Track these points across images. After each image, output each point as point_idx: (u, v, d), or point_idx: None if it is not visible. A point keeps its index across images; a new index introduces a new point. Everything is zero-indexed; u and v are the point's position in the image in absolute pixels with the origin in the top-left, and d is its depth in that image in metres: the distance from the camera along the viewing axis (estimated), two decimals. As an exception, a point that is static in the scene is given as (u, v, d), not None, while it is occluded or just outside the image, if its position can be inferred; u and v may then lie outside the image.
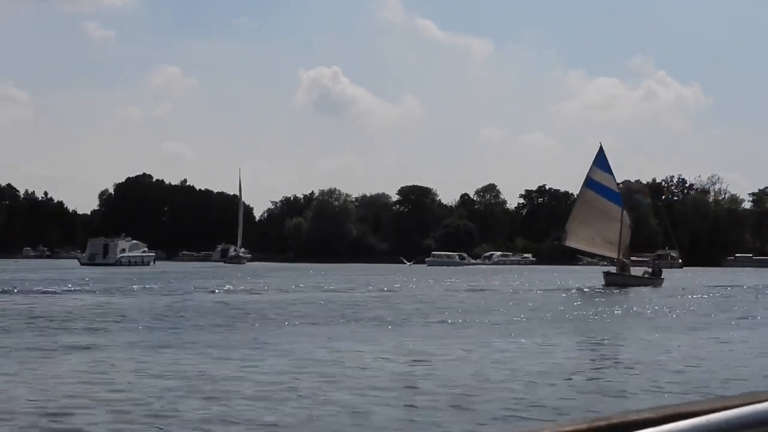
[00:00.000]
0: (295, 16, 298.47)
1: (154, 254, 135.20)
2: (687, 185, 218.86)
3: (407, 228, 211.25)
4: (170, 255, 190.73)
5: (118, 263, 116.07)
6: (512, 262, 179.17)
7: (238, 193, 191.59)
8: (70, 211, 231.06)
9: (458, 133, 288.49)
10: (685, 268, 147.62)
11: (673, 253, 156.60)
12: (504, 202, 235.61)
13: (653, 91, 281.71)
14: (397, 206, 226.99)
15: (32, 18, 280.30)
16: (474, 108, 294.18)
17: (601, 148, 71.54)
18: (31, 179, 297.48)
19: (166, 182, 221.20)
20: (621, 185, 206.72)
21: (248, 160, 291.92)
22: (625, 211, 70.39)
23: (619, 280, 66.35)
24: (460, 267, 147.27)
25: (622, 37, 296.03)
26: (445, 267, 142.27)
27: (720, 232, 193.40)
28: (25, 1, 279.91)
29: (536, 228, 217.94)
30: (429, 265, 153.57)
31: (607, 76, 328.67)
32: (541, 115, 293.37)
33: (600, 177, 70.11)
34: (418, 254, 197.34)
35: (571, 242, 72.17)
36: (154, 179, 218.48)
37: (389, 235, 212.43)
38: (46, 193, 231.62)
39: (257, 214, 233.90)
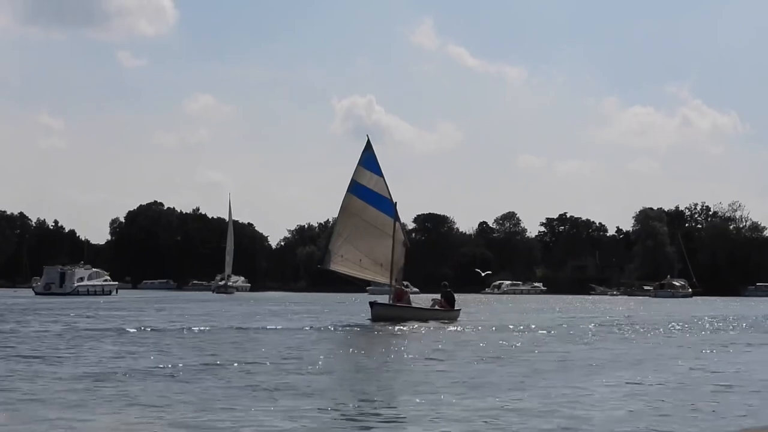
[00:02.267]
0: (328, 43, 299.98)
1: (116, 283, 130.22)
2: (711, 213, 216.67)
3: (423, 257, 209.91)
4: (180, 285, 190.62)
5: (75, 293, 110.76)
6: (522, 292, 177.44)
7: (249, 221, 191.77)
8: (82, 239, 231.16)
9: (495, 160, 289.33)
10: (695, 297, 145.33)
11: (677, 282, 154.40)
12: (524, 230, 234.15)
13: (688, 118, 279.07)
14: (413, 234, 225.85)
15: (64, 46, 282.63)
16: (510, 136, 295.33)
17: (368, 142, 53.80)
18: (61, 206, 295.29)
19: (178, 210, 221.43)
20: (638, 213, 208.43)
21: (286, 187, 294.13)
22: (398, 224, 54.35)
23: (391, 313, 49.87)
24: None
25: (657, 64, 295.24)
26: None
27: (740, 260, 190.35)
28: (57, 29, 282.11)
29: (556, 257, 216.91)
30: (371, 294, 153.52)
31: (642, 103, 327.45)
32: (577, 143, 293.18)
33: (368, 180, 53.25)
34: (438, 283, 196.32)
35: (336, 265, 53.43)
36: (165, 207, 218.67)
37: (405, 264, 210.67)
38: (56, 222, 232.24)
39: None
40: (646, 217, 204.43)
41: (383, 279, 54.84)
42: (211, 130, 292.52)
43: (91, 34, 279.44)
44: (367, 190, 52.97)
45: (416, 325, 44.38)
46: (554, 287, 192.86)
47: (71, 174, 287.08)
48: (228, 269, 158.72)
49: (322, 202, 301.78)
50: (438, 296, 54.18)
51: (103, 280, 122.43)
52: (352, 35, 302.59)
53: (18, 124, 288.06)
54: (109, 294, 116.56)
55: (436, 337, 37.02)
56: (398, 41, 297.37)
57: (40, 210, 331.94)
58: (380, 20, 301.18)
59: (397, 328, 42.39)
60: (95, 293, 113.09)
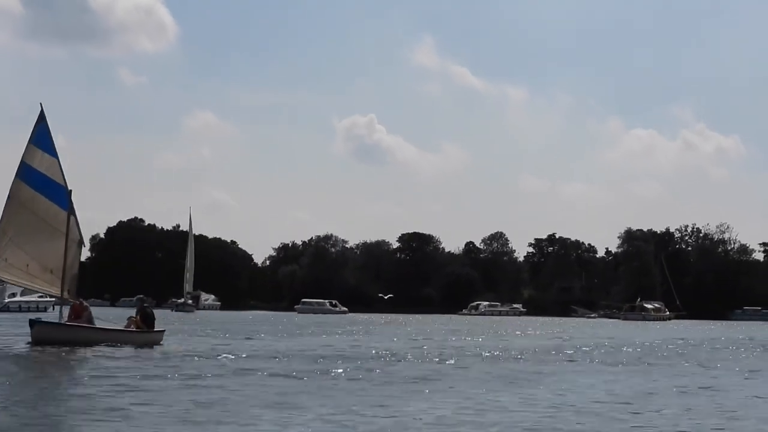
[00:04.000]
0: (328, 62, 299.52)
1: (54, 299, 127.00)
2: (701, 234, 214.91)
3: (406, 276, 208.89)
4: (159, 302, 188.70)
5: (6, 309, 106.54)
6: (500, 313, 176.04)
7: (233, 239, 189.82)
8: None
9: (497, 183, 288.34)
10: (673, 321, 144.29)
11: (649, 305, 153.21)
12: (512, 251, 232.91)
13: (691, 141, 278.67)
14: (398, 254, 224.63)
15: (63, 63, 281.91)
16: (512, 157, 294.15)
17: (42, 112, 42.83)
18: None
19: (158, 227, 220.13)
20: (623, 233, 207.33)
21: (291, 207, 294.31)
22: (74, 217, 42.28)
23: (60, 335, 39.06)
24: (330, 315, 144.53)
25: (660, 86, 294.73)
26: (314, 315, 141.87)
27: (727, 283, 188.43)
28: (57, 45, 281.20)
29: (544, 278, 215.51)
30: (299, 312, 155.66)
31: (645, 126, 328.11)
32: (579, 165, 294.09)
33: (39, 161, 41.97)
34: (418, 305, 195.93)
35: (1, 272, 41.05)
36: (146, 223, 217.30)
37: (389, 284, 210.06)
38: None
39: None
40: (630, 237, 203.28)
41: (54, 290, 41.97)
42: (212, 148, 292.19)
43: (91, 51, 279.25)
44: (39, 175, 41.67)
45: (84, 351, 35.45)
46: (540, 309, 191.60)
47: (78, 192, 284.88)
48: (188, 286, 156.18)
49: (322, 222, 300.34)
50: (133, 316, 43.36)
51: (38, 296, 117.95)
52: (352, 54, 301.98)
53: (14, 141, 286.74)
54: (45, 311, 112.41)
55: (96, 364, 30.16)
56: (399, 60, 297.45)
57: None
58: (380, 39, 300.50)
59: (63, 353, 34.55)
60: (28, 309, 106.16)
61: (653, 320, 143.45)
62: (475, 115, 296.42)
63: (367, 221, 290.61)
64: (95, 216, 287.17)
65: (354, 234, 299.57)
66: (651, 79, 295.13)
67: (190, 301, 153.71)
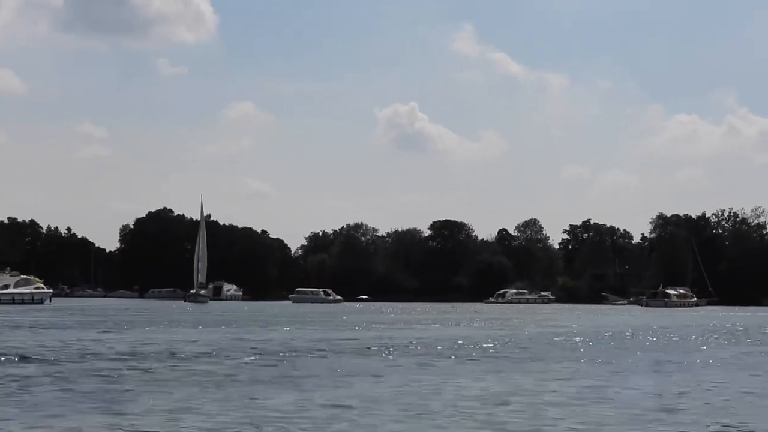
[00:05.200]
0: (368, 51, 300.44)
1: (51, 291, 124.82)
2: (738, 219, 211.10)
3: (437, 264, 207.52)
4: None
5: None
6: (528, 301, 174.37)
7: (263, 228, 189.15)
8: (97, 246, 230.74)
9: (537, 170, 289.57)
10: (701, 307, 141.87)
11: (673, 291, 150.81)
12: (546, 238, 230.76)
13: (734, 126, 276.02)
14: (430, 242, 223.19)
15: (101, 55, 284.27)
16: (553, 145, 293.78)
17: None
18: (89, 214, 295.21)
19: (187, 217, 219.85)
20: (654, 219, 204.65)
21: (330, 197, 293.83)
22: None
23: None
24: (323, 305, 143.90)
25: (702, 71, 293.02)
26: (310, 304, 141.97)
27: (763, 269, 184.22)
28: (95, 37, 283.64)
29: (578, 265, 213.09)
30: (294, 302, 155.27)
31: (687, 111, 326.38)
32: (621, 152, 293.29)
33: None
34: (448, 293, 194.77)
35: None
36: (175, 213, 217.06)
37: (419, 272, 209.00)
38: (69, 229, 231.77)
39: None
40: (664, 223, 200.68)
41: None
42: (251, 138, 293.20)
43: (130, 43, 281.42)
44: None
45: None
46: (574, 296, 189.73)
47: (109, 183, 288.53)
48: (200, 276, 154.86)
49: (361, 212, 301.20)
50: None
51: (34, 287, 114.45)
52: (390, 42, 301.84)
53: (57, 133, 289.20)
54: (40, 303, 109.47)
55: None
56: (438, 48, 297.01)
57: (68, 218, 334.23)
58: (419, 27, 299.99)
59: None
60: (23, 302, 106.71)
61: (676, 307, 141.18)
62: (515, 103, 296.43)
63: (405, 210, 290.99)
64: (134, 207, 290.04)
65: (392, 223, 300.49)
66: (693, 64, 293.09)
67: (202, 292, 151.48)
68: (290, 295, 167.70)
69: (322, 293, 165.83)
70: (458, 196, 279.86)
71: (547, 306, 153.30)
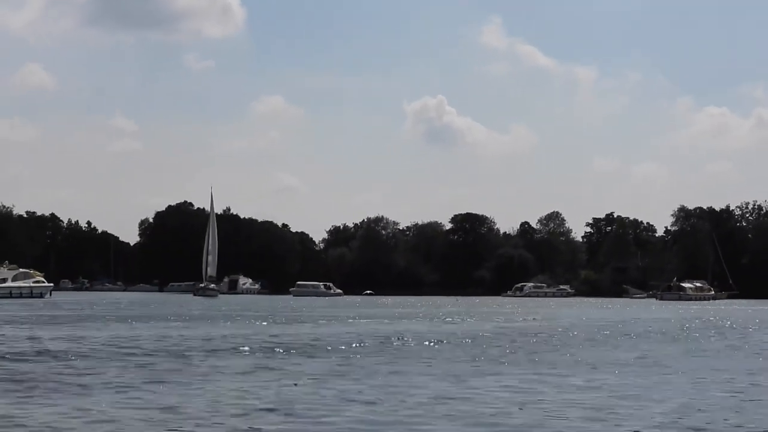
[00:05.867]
0: (395, 45, 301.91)
1: (51, 285, 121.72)
2: (763, 212, 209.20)
3: (459, 258, 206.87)
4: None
5: None
6: (546, 295, 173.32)
7: (284, 222, 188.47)
8: (121, 240, 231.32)
9: (566, 163, 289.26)
10: (718, 301, 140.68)
11: (688, 284, 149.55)
12: (569, 231, 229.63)
13: (764, 119, 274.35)
14: (450, 235, 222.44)
15: (129, 49, 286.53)
16: (583, 138, 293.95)
17: None
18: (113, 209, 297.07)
19: (207, 210, 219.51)
20: (676, 211, 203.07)
21: (359, 191, 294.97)
22: None
23: None
24: (323, 298, 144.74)
25: (731, 64, 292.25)
26: (311, 297, 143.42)
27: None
28: (122, 32, 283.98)
29: (601, 258, 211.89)
30: (294, 295, 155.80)
31: (717, 104, 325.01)
32: (651, 145, 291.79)
33: None
34: (469, 286, 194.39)
35: None
36: (195, 207, 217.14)
37: (440, 266, 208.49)
38: (89, 223, 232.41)
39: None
40: (687, 215, 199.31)
41: None
42: (281, 133, 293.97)
43: (157, 37, 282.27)
44: None
45: None
46: (597, 290, 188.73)
47: (137, 177, 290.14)
48: (210, 270, 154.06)
49: (393, 206, 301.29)
50: None
51: (33, 281, 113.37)
52: (418, 35, 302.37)
53: (87, 128, 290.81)
54: (40, 297, 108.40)
55: None
56: (466, 41, 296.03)
57: (93, 213, 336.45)
58: (448, 20, 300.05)
59: None
60: (21, 295, 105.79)
61: (691, 300, 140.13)
62: (544, 96, 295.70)
63: (432, 203, 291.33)
64: (159, 201, 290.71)
65: (420, 216, 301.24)
66: (722, 57, 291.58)
67: (212, 286, 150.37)
68: (291, 289, 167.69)
69: (322, 287, 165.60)
70: (485, 189, 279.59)
71: (561, 300, 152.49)
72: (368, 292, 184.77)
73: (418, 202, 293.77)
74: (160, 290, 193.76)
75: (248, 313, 68.48)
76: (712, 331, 49.67)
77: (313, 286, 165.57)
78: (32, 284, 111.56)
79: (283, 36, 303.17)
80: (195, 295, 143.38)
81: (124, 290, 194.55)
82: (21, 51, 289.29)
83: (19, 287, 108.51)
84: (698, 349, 35.13)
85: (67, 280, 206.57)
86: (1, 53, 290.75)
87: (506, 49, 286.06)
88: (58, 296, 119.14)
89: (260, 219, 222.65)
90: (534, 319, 63.92)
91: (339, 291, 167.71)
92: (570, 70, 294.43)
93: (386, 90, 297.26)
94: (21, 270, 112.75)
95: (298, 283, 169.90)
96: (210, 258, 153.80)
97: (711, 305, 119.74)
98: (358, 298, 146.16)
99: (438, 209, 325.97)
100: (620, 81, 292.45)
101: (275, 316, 64.81)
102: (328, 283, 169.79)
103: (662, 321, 64.37)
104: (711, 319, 69.97)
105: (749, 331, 50.55)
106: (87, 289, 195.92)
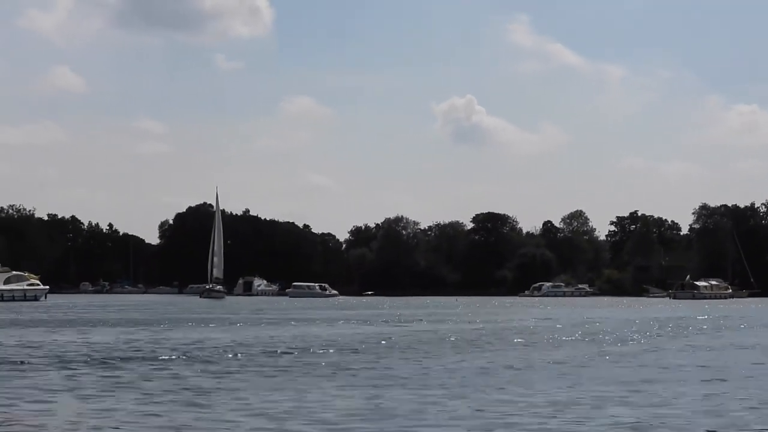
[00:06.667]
0: (422, 44, 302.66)
1: (47, 288, 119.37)
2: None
3: (480, 258, 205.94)
4: (231, 288, 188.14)
5: None
6: (564, 294, 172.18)
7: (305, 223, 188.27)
8: (146, 242, 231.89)
9: (594, 161, 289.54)
10: (733, 299, 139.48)
11: (703, 283, 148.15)
12: (592, 230, 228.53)
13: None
14: (472, 235, 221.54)
15: (157, 50, 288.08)
16: (612, 137, 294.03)
17: None
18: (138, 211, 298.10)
19: (227, 212, 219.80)
20: (697, 209, 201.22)
21: (389, 191, 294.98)
22: None
23: None
24: (318, 299, 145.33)
25: (760, 61, 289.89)
26: (307, 299, 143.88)
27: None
28: (150, 33, 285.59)
29: (624, 257, 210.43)
30: (290, 296, 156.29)
31: (747, 102, 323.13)
32: (680, 143, 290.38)
33: None
34: (491, 286, 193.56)
35: None
36: (214, 208, 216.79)
37: (462, 266, 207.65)
38: (110, 225, 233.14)
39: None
40: (710, 213, 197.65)
41: None
42: (310, 133, 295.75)
43: (185, 38, 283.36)
44: None
45: None
46: (620, 289, 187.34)
47: (166, 178, 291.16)
48: (216, 271, 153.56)
49: (422, 205, 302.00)
50: None
51: (27, 284, 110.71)
52: (447, 35, 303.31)
53: (116, 129, 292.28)
54: (34, 300, 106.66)
55: None
56: (494, 40, 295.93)
57: (118, 215, 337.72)
58: (474, 19, 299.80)
59: None
60: (13, 299, 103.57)
61: (705, 298, 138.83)
62: (573, 94, 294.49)
63: (460, 203, 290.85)
64: (185, 203, 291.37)
65: (447, 216, 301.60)
66: (751, 54, 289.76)
67: (217, 287, 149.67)
68: (287, 290, 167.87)
69: (317, 287, 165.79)
70: (512, 188, 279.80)
71: (575, 299, 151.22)
72: (369, 293, 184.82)
73: (447, 203, 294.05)
74: (180, 292, 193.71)
75: (193, 316, 66.92)
76: (635, 336, 44.35)
77: (308, 287, 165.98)
78: (26, 287, 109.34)
79: (311, 36, 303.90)
80: (201, 297, 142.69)
81: (144, 292, 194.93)
82: (50, 53, 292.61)
83: (12, 290, 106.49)
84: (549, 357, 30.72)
85: (87, 283, 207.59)
86: (31, 55, 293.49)
87: (534, 48, 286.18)
88: (57, 299, 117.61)
89: (286, 219, 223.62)
90: (471, 323, 59.34)
91: (334, 292, 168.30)
92: (598, 68, 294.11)
93: (415, 90, 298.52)
94: (14, 272, 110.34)
95: (294, 284, 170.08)
96: (216, 260, 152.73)
97: (723, 303, 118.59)
98: (353, 299, 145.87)
99: (464, 209, 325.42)
100: (649, 79, 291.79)
101: (207, 318, 62.17)
102: (323, 284, 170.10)
103: (621, 322, 59.92)
104: (684, 319, 66.36)
105: (693, 334, 46.27)
106: (107, 292, 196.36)
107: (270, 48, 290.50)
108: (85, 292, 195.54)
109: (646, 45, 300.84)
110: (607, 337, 42.64)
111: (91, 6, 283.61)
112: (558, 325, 54.87)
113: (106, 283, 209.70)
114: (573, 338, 42.11)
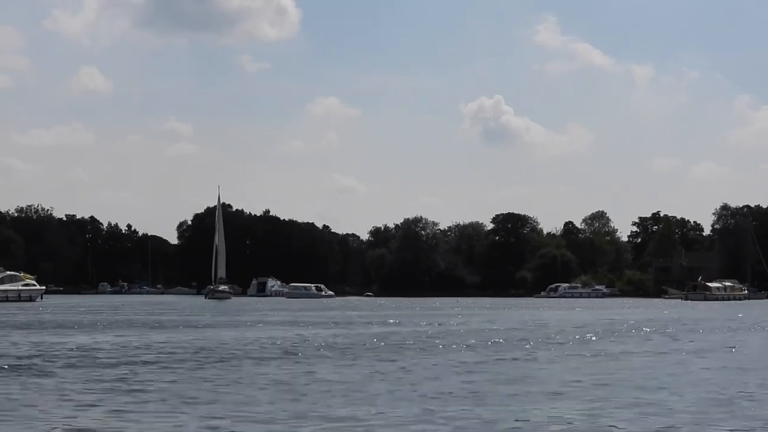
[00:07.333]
0: (449, 45, 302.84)
1: (43, 288, 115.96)
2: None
3: (500, 259, 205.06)
4: (245, 289, 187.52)
5: None
6: (581, 295, 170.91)
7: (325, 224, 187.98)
8: (152, 244, 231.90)
9: (622, 162, 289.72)
10: (748, 300, 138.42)
11: (716, 284, 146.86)
12: (614, 230, 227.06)
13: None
14: (492, 236, 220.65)
15: (183, 51, 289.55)
16: (641, 138, 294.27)
17: None
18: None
19: (246, 212, 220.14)
20: (717, 209, 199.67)
21: (416, 193, 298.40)
22: None
23: None
24: (316, 300, 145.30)
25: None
26: (303, 299, 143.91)
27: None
28: (176, 35, 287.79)
29: (645, 258, 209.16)
30: (288, 297, 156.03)
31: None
32: (710, 144, 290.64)
33: None
34: (513, 287, 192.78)
35: None
36: (234, 209, 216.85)
37: (481, 267, 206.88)
38: (129, 226, 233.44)
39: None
40: (728, 214, 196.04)
41: None
42: (337, 134, 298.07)
43: (212, 39, 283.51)
44: None
45: None
46: (641, 290, 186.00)
47: (192, 179, 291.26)
48: (221, 271, 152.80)
49: (448, 206, 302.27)
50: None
51: (23, 284, 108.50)
52: (474, 36, 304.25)
53: (144, 130, 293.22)
54: (29, 301, 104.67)
55: None
56: (522, 40, 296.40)
57: (142, 216, 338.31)
58: (502, 20, 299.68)
59: None
60: (7, 300, 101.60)
61: (717, 300, 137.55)
62: (601, 94, 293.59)
63: (486, 203, 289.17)
64: (210, 203, 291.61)
65: (468, 216, 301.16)
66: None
67: (222, 287, 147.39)
68: (284, 291, 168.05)
69: (314, 288, 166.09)
70: (539, 189, 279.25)
71: (589, 300, 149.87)
72: (369, 294, 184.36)
73: (473, 203, 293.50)
74: (198, 293, 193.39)
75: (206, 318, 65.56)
76: (593, 338, 41.57)
77: (305, 287, 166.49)
78: (21, 287, 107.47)
79: (338, 37, 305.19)
80: (206, 297, 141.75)
81: (162, 293, 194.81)
82: (78, 54, 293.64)
83: (5, 291, 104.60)
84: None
85: (105, 283, 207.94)
86: (59, 57, 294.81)
87: (562, 48, 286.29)
88: (55, 300, 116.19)
89: (313, 221, 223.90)
90: (440, 324, 56.21)
91: (331, 293, 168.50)
92: (627, 69, 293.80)
93: (442, 91, 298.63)
94: (8, 273, 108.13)
95: (291, 284, 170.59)
96: (219, 259, 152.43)
97: (732, 305, 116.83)
98: (350, 299, 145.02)
99: (489, 209, 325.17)
100: (677, 79, 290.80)
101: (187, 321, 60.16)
102: (319, 285, 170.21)
103: (586, 325, 56.05)
104: (641, 322, 61.51)
105: (592, 340, 40.95)
106: (126, 293, 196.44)
107: (296, 49, 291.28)
108: (104, 292, 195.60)
109: (674, 45, 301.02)
110: (489, 343, 38.04)
111: (118, 7, 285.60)
112: (493, 327, 52.45)
113: (125, 284, 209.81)
114: (467, 344, 37.33)
